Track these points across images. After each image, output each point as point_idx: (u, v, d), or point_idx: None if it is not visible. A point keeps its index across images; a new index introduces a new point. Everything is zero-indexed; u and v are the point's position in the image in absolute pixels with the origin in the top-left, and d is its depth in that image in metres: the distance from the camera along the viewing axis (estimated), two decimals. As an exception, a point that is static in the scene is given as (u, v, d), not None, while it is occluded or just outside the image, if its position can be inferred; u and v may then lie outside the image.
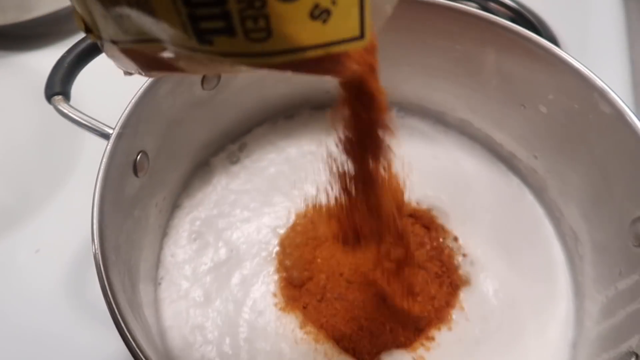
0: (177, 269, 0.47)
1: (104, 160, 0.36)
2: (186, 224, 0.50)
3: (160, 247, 0.48)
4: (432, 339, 0.44)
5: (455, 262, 0.48)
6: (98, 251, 0.31)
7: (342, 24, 0.20)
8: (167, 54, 0.21)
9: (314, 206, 0.51)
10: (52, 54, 0.57)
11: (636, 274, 0.38)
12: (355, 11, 0.20)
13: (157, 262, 0.47)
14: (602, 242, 0.43)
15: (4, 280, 0.52)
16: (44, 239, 0.55)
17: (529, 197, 0.54)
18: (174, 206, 0.50)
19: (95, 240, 0.32)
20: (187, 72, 0.23)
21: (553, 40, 0.70)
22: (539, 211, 0.53)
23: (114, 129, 0.38)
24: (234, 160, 0.54)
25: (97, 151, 0.37)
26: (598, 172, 0.43)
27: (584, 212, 0.46)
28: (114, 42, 0.22)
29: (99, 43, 0.23)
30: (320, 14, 0.19)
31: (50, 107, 0.43)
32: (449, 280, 0.47)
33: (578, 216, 0.47)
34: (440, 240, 0.50)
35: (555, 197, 0.50)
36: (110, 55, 0.24)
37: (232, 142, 0.55)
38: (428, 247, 0.50)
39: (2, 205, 0.58)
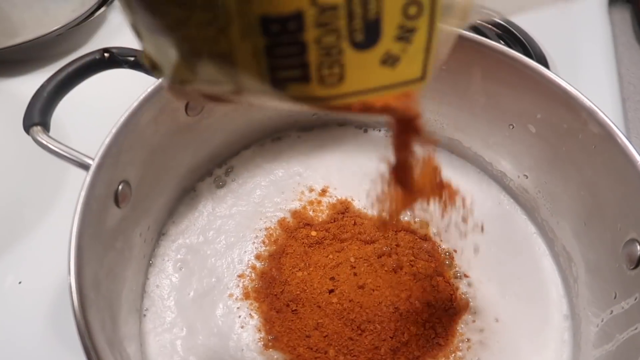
0: (162, 300, 0.45)
1: (83, 192, 0.35)
2: (172, 252, 0.49)
3: (146, 277, 0.47)
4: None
5: (455, 284, 0.47)
6: (75, 292, 0.30)
7: (408, 68, 0.21)
8: (231, 94, 0.22)
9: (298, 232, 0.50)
10: (36, 79, 0.56)
11: (632, 298, 0.37)
12: (421, 56, 0.21)
13: (142, 293, 0.46)
14: (596, 264, 0.43)
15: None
16: (27, 271, 0.53)
17: (521, 217, 0.53)
18: (160, 234, 0.49)
19: (73, 281, 0.31)
20: (243, 104, 0.23)
21: (541, 57, 0.70)
22: (531, 230, 0.52)
23: (93, 159, 0.37)
24: (220, 184, 0.53)
25: (80, 182, 0.36)
26: (588, 192, 0.43)
27: (576, 233, 0.45)
28: (182, 82, 0.23)
29: (162, 79, 0.24)
30: (390, 60, 0.21)
31: (31, 136, 0.42)
32: (451, 308, 0.46)
33: (570, 236, 0.46)
34: (439, 259, 0.49)
35: (547, 217, 0.49)
36: (170, 90, 0.24)
37: (218, 167, 0.55)
38: (428, 265, 0.49)
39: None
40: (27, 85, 0.65)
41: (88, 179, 0.35)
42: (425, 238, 0.51)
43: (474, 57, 0.46)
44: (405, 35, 0.20)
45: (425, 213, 0.51)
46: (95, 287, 0.33)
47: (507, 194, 0.54)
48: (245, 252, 0.48)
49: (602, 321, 0.40)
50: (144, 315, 0.45)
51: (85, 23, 0.74)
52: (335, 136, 0.58)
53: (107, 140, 0.37)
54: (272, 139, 0.57)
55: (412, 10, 0.20)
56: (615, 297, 0.39)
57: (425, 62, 0.21)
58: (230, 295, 0.45)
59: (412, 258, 0.49)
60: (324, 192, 0.53)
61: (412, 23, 0.20)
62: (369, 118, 0.58)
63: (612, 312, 0.39)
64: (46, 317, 0.50)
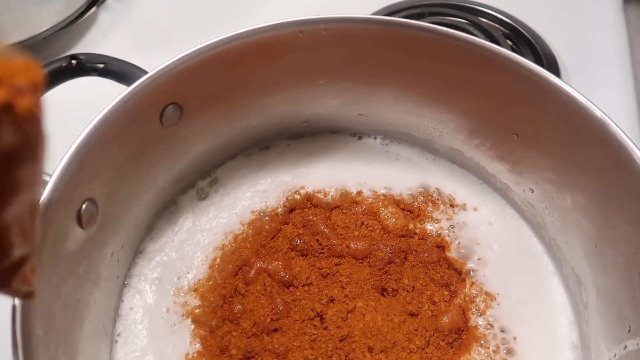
0: (135, 324, 0.42)
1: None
2: (148, 271, 0.45)
3: (120, 300, 0.44)
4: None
5: (459, 310, 0.44)
6: (18, 335, 0.27)
7: None
8: None
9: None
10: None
11: (648, 334, 0.33)
12: None
13: (115, 317, 0.43)
14: (608, 290, 0.39)
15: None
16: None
17: (527, 232, 0.49)
18: (137, 252, 0.46)
19: (17, 323, 0.27)
20: None
21: (551, 58, 0.66)
22: (538, 249, 0.48)
23: (50, 175, 0.34)
24: (202, 196, 0.50)
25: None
26: (599, 212, 0.39)
27: (587, 255, 0.41)
28: None
29: None
30: None
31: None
32: (452, 335, 0.42)
33: (580, 258, 0.42)
34: (442, 280, 0.45)
35: (554, 235, 0.45)
36: None
37: (202, 178, 0.51)
38: (429, 286, 0.45)
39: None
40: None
41: (44, 199, 0.32)
42: (439, 246, 0.47)
43: (473, 61, 0.42)
44: None
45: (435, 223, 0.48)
46: (46, 323, 0.30)
47: (512, 208, 0.50)
48: (221, 269, 0.45)
49: (614, 356, 0.36)
50: (116, 341, 0.42)
51: (72, 26, 0.71)
52: (327, 144, 0.55)
53: (66, 156, 0.34)
54: (259, 148, 0.54)
55: None
56: (629, 331, 0.35)
57: None
58: (204, 321, 0.42)
59: (413, 274, 0.45)
60: (311, 199, 0.50)
61: None
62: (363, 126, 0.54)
63: (625, 347, 0.35)
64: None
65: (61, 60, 0.41)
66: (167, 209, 0.49)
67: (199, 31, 0.72)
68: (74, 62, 0.40)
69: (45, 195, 0.32)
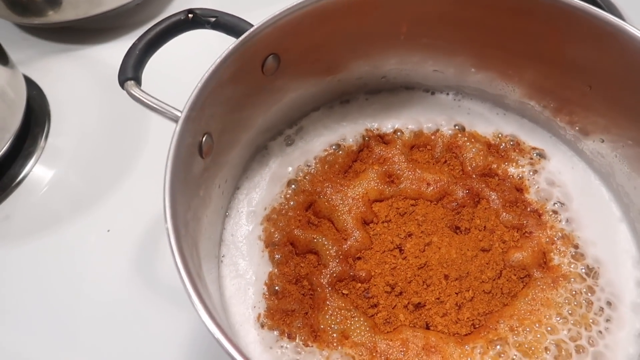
0: (236, 249, 0.49)
1: (174, 141, 0.38)
2: (244, 205, 0.52)
3: (223, 227, 0.50)
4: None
5: (551, 256, 0.48)
6: (170, 224, 0.33)
7: None
8: None
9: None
10: (120, 46, 0.60)
11: None
12: None
13: (220, 241, 0.49)
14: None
15: (78, 259, 0.56)
16: (114, 219, 0.58)
17: (595, 182, 0.52)
18: (235, 188, 0.52)
19: (168, 215, 0.34)
20: None
21: (616, 14, 0.66)
22: (606, 197, 0.51)
23: (182, 111, 0.39)
24: (289, 142, 0.56)
25: (162, 136, 0.39)
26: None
27: (656, 197, 0.44)
28: None
29: None
30: None
31: (119, 95, 0.45)
32: (522, 271, 0.47)
33: (649, 201, 0.45)
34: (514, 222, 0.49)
35: (623, 182, 0.48)
36: None
37: (289, 127, 0.57)
38: (499, 225, 0.49)
39: (75, 189, 0.61)
40: (114, 50, 0.70)
41: (178, 128, 0.38)
42: (518, 188, 0.51)
43: (550, 14, 0.45)
44: None
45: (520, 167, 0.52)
46: (184, 226, 0.36)
47: (580, 159, 0.53)
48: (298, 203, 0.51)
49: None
50: (221, 261, 0.48)
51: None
52: (402, 99, 0.59)
53: (194, 93, 0.40)
54: (340, 102, 0.58)
55: None
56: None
57: None
58: (290, 249, 0.48)
59: (485, 216, 0.49)
60: (383, 137, 0.55)
61: None
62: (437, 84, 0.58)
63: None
64: (131, 262, 0.55)
65: (180, 14, 0.46)
66: (259, 153, 0.55)
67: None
68: (190, 15, 0.46)
69: (179, 125, 0.38)
